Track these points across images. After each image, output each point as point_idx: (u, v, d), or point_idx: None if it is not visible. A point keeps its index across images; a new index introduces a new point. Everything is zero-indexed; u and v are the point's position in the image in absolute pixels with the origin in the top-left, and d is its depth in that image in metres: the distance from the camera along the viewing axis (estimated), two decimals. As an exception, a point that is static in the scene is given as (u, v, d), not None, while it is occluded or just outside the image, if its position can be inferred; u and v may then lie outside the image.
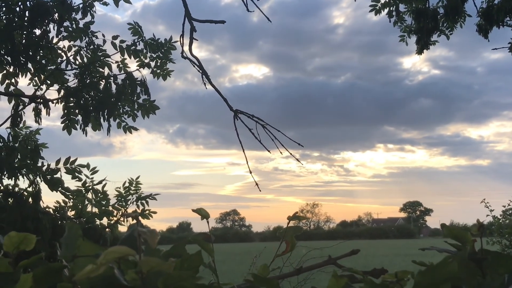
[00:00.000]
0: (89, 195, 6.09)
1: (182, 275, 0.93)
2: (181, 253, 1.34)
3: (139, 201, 6.32)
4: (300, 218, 1.82)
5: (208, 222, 1.84)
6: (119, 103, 6.76)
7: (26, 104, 6.75)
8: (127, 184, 6.39)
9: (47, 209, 5.89)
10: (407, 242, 66.35)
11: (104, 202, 6.14)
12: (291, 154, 5.67)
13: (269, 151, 5.66)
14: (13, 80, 6.71)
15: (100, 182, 6.11)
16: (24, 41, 6.43)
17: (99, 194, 6.13)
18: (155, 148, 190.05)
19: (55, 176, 5.86)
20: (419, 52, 10.42)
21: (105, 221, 6.20)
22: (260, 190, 5.83)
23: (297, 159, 5.86)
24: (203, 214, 1.77)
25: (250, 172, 5.80)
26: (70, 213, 6.08)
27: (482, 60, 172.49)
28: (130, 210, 6.28)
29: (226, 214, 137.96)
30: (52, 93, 6.98)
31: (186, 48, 6.01)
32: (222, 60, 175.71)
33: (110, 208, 6.26)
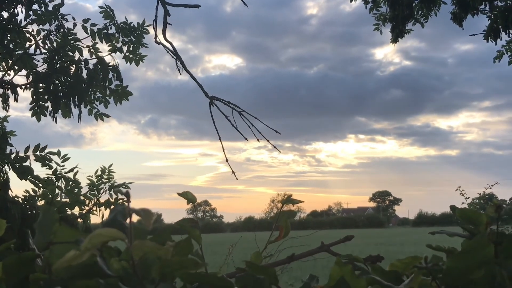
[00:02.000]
0: (60, 184, 5.87)
1: (184, 262, 0.79)
2: (166, 240, 1.21)
3: (112, 190, 6.11)
4: (294, 201, 1.70)
5: (195, 207, 1.72)
6: (90, 89, 6.53)
7: (-7, 90, 6.50)
8: (99, 173, 6.18)
9: (16, 198, 5.66)
10: (377, 231, 66.98)
11: (76, 191, 5.93)
12: (268, 141, 5.56)
13: (246, 138, 5.54)
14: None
15: (71, 170, 5.89)
16: (-10, 24, 6.17)
17: (70, 183, 5.91)
18: (126, 139, 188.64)
19: (24, 164, 5.64)
20: (394, 40, 10.35)
21: (76, 210, 5.99)
22: (237, 179, 5.71)
23: (275, 147, 5.76)
24: (190, 197, 1.64)
25: (227, 160, 5.67)
26: (40, 203, 5.86)
27: (453, 51, 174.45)
28: (102, 199, 6.08)
29: (197, 205, 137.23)
30: (20, 79, 6.73)
31: (160, 34, 5.83)
32: (195, 50, 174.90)
33: (82, 197, 6.05)
